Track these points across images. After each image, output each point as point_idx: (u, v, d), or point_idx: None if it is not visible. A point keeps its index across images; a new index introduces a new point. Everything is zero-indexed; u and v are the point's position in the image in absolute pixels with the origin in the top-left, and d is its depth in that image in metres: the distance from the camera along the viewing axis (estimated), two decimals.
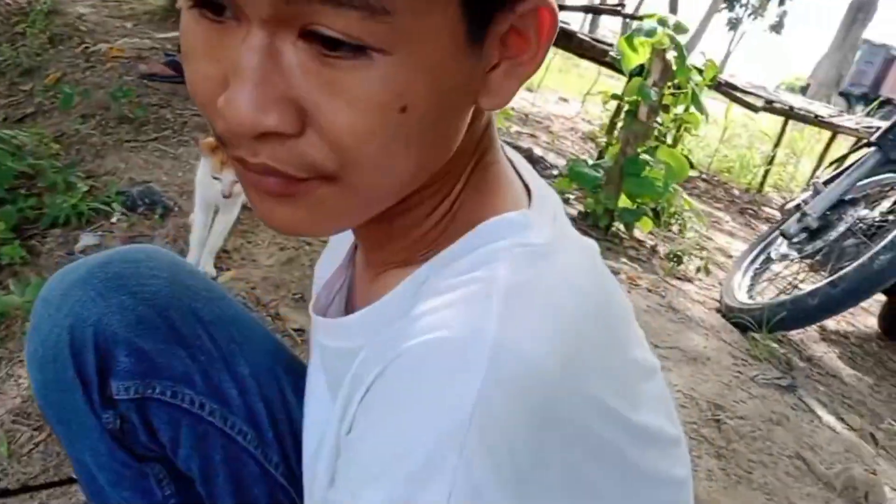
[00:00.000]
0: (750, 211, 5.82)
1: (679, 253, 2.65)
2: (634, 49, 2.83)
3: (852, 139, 6.12)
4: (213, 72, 0.42)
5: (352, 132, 0.41)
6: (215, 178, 1.81)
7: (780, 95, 6.63)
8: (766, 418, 1.82)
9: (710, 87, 4.01)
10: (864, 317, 3.36)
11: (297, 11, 0.38)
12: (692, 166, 6.19)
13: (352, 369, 0.51)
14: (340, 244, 0.71)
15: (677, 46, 2.75)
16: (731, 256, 3.84)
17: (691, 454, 1.68)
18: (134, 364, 0.75)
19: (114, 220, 2.15)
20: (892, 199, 2.61)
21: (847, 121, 6.22)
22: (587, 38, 4.03)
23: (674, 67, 2.88)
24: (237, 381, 0.80)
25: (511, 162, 0.59)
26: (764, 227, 5.02)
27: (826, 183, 2.59)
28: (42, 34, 3.90)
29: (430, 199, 0.53)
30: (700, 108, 3.07)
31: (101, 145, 2.71)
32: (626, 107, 3.02)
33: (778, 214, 5.80)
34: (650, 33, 2.75)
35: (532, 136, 5.85)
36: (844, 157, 2.95)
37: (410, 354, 0.43)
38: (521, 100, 6.71)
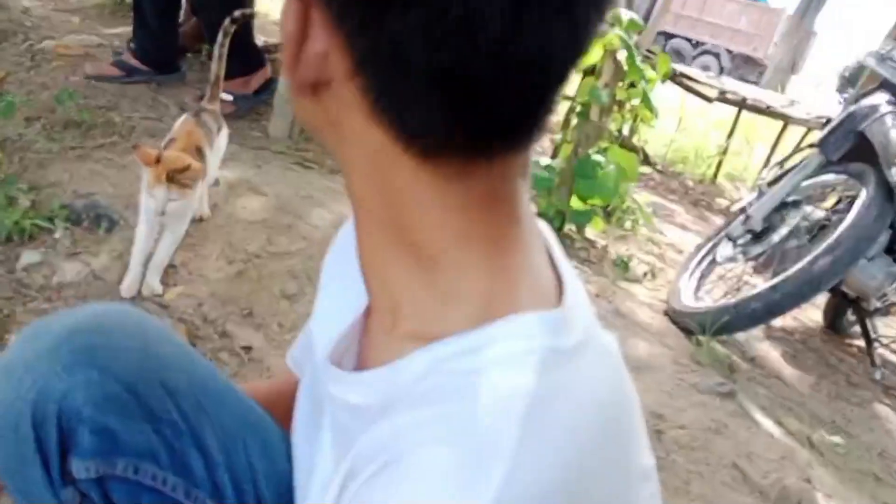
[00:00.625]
0: (703, 202, 5.91)
1: (625, 259, 2.69)
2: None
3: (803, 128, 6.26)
4: None
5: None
6: (150, 196, 1.79)
7: (733, 85, 6.74)
8: (706, 427, 1.87)
9: (664, 80, 4.06)
10: (812, 311, 3.44)
11: None
12: (647, 159, 6.27)
13: (360, 439, 0.51)
14: (343, 292, 0.66)
15: (628, 48, 2.77)
16: (681, 252, 3.90)
17: None
18: (97, 443, 0.75)
19: (57, 235, 2.12)
20: (833, 201, 2.68)
21: (797, 111, 6.35)
22: None
23: (625, 68, 2.91)
24: (203, 452, 0.80)
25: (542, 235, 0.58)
26: (716, 220, 5.11)
27: (770, 184, 2.65)
28: None
29: (430, 268, 0.52)
30: (650, 108, 3.11)
31: (46, 153, 2.66)
32: (578, 108, 3.04)
33: (730, 205, 5.92)
34: (600, 35, 2.77)
35: None
36: (789, 157, 3.01)
37: (419, 457, 0.44)
38: None
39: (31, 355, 0.75)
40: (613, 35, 2.77)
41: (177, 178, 1.76)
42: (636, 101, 3.49)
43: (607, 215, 3.59)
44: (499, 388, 0.46)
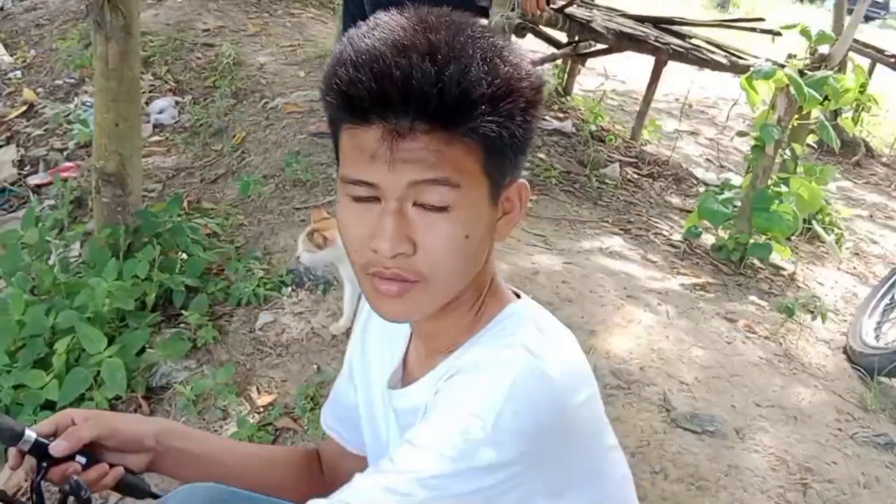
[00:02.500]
0: None
1: (791, 305, 2.69)
2: (756, 90, 2.89)
3: None
4: (363, 230, 0.78)
5: (440, 251, 0.77)
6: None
7: None
8: (855, 481, 1.92)
9: (862, 91, 3.86)
10: None
11: (413, 193, 0.75)
12: (869, 150, 5.87)
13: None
14: (383, 347, 1.00)
15: (797, 87, 2.77)
16: (893, 264, 3.71)
17: None
18: None
19: (285, 298, 2.59)
20: None
21: None
22: (733, 54, 4.02)
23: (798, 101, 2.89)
24: None
25: None
26: None
27: None
28: (228, 87, 4.43)
29: (468, 300, 0.86)
30: (830, 139, 3.05)
31: (277, 214, 3.19)
32: (754, 142, 3.06)
33: None
34: (768, 75, 2.80)
35: (693, 133, 5.79)
36: None
37: (468, 365, 0.81)
38: (691, 82, 6.50)
39: None
40: (781, 74, 2.77)
41: (312, 237, 2.16)
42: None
43: (806, 229, 3.53)
44: (510, 337, 0.82)
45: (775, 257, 3.23)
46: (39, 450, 0.86)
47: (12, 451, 0.87)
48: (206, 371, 2.27)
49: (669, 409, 2.19)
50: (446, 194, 0.75)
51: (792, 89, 2.82)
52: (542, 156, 3.83)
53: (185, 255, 2.61)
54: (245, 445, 1.27)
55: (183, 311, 2.46)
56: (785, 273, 3.22)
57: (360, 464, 1.03)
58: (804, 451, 2.02)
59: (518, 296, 0.91)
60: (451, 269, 0.78)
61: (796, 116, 2.97)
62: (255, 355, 2.42)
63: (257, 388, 2.27)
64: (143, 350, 2.28)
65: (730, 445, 2.07)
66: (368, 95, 0.72)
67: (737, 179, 3.79)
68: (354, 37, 0.75)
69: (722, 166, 4.90)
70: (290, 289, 2.63)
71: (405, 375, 0.95)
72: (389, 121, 0.73)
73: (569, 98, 4.85)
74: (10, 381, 2.08)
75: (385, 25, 0.75)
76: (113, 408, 2.14)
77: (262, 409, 2.17)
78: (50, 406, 2.08)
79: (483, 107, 0.73)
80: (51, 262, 2.55)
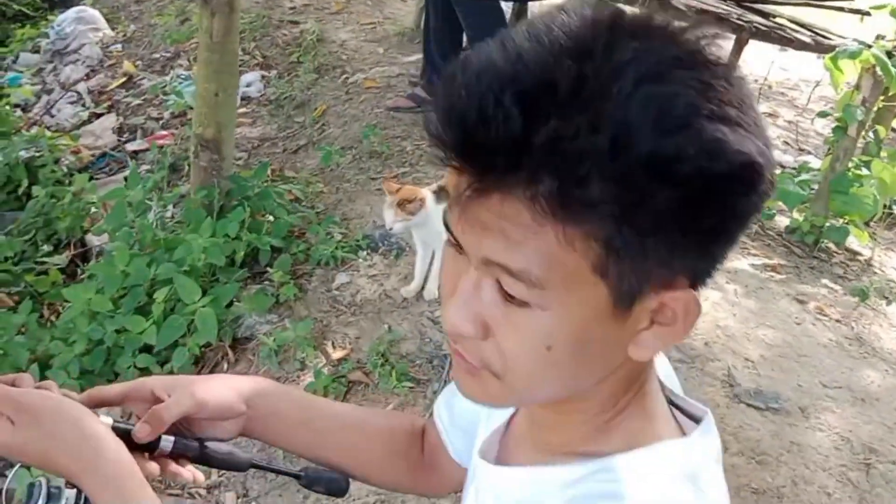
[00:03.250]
0: None
1: (864, 289, 2.65)
2: (840, 69, 2.85)
3: None
4: (449, 282, 0.61)
5: (513, 352, 0.59)
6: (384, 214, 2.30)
7: None
8: None
9: None
10: None
11: (492, 270, 0.56)
12: None
13: None
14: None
15: (884, 67, 2.72)
16: None
17: (833, 497, 1.87)
18: None
19: (360, 261, 2.72)
20: None
21: None
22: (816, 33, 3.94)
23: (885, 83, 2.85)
24: None
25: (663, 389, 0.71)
26: None
27: None
28: (311, 63, 4.58)
29: (592, 407, 0.65)
30: None
31: (355, 183, 3.31)
32: (836, 123, 3.03)
33: None
34: (854, 55, 2.76)
35: (771, 115, 5.68)
36: None
37: None
38: (772, 62, 6.38)
39: None
40: (868, 54, 2.73)
41: (405, 206, 2.24)
42: None
43: (887, 214, 3.46)
44: (643, 495, 0.61)
45: (852, 241, 3.19)
46: (118, 433, 0.79)
47: None
48: (287, 325, 2.42)
49: (733, 384, 2.22)
50: (526, 291, 0.55)
51: (879, 70, 2.78)
52: None
53: (271, 218, 2.76)
54: (345, 412, 1.05)
55: (268, 269, 2.62)
56: (861, 258, 3.18)
57: (458, 473, 0.89)
58: (869, 433, 2.04)
59: (686, 423, 0.69)
60: (526, 377, 0.60)
61: (882, 98, 2.92)
62: (332, 313, 2.56)
63: (332, 343, 2.40)
64: (231, 303, 2.44)
65: (793, 423, 2.10)
66: (440, 133, 0.54)
67: (815, 162, 3.73)
68: (496, 40, 0.55)
69: (801, 149, 4.81)
70: (365, 252, 2.75)
71: (503, 444, 0.78)
72: (469, 170, 0.54)
73: None
74: (113, 325, 2.27)
75: (539, 29, 0.53)
76: (203, 355, 2.31)
77: (336, 363, 2.31)
78: (148, 349, 2.26)
79: (593, 190, 0.50)
80: (150, 220, 2.73)
